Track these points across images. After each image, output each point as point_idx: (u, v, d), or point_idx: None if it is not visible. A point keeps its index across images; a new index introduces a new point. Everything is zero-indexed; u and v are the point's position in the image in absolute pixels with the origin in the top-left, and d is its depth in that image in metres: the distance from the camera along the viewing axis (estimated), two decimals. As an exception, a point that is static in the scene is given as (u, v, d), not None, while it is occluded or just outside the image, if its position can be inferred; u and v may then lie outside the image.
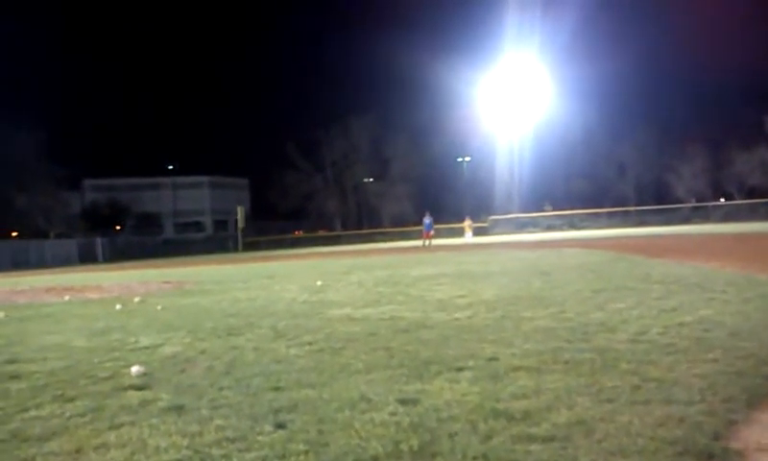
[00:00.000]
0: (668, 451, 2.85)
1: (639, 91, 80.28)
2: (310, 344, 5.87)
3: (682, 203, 68.87)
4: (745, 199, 65.99)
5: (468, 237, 48.10)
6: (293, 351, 5.55)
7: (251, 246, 66.92)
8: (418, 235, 43.20)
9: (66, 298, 13.13)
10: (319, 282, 13.00)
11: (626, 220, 63.25)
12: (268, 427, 3.42)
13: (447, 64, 75.18)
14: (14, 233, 64.27)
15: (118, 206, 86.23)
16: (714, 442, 2.94)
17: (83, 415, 3.87)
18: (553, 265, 14.42)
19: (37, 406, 4.15)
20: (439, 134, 78.18)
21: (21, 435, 3.56)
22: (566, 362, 4.53)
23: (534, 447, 2.98)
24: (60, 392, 4.50)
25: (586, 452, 2.88)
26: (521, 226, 67.08)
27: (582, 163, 76.21)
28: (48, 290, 15.67)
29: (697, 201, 69.86)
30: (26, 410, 4.08)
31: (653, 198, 71.54)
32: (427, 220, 40.35)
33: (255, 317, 8.09)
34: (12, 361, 5.85)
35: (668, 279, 9.75)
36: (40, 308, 11.20)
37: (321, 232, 79.26)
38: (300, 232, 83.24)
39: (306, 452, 3.05)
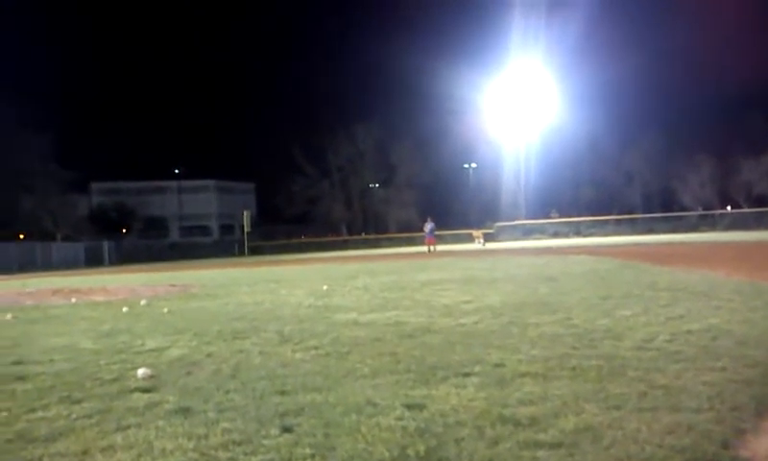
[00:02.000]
0: (676, 459, 2.85)
1: (646, 99, 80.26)
2: (316, 348, 5.87)
3: (688, 211, 68.71)
4: (752, 207, 65.72)
5: (480, 244, 48.19)
6: (299, 356, 5.55)
7: (256, 250, 66.98)
8: (423, 241, 43.17)
9: (73, 300, 13.15)
10: (325, 287, 13.00)
11: (633, 228, 63.03)
12: (274, 431, 3.42)
13: (454, 71, 75.13)
14: (21, 235, 64.48)
15: (125, 210, 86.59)
16: (723, 450, 2.92)
17: (89, 416, 3.88)
18: (560, 272, 14.39)
19: (44, 407, 4.16)
20: (445, 141, 78.26)
21: (27, 436, 3.57)
22: (573, 368, 4.52)
23: (541, 453, 2.97)
24: (66, 393, 4.51)
25: (593, 459, 2.88)
26: (528, 232, 66.90)
27: (589, 170, 76.17)
28: (55, 292, 15.71)
29: (704, 209, 69.66)
30: (32, 411, 4.08)
31: (660, 206, 71.43)
32: (428, 226, 40.14)
33: (261, 321, 8.09)
34: (18, 362, 5.87)
35: (675, 286, 9.71)
36: (47, 310, 11.23)
37: (327, 237, 79.29)
38: (306, 237, 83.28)
39: (312, 456, 3.04)
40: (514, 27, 70.21)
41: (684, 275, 11.95)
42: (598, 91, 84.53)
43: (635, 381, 4.09)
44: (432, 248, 39.24)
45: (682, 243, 31.66)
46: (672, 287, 9.59)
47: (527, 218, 71.91)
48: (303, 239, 78.69)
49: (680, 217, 64.81)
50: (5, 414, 4.05)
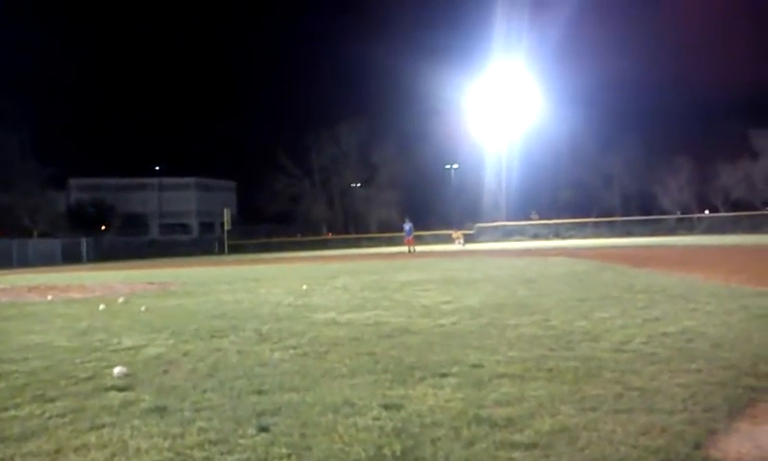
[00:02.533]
0: (650, 460, 2.87)
1: (627, 102, 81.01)
2: (294, 348, 5.85)
3: (667, 214, 69.40)
4: (729, 212, 66.60)
5: (459, 244, 48.39)
6: (277, 355, 5.53)
7: (237, 249, 66.65)
8: (404, 241, 43.22)
9: (49, 297, 13.02)
10: (304, 286, 12.97)
11: (612, 230, 63.55)
12: (251, 430, 3.41)
13: (436, 71, 75.35)
14: (-2, 232, 63.72)
15: (104, 206, 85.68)
16: (695, 451, 2.96)
17: (63, 415, 3.84)
18: (539, 273, 14.48)
19: (17, 406, 4.11)
20: (427, 141, 78.42)
21: (-1, 435, 3.52)
22: (550, 370, 4.55)
23: (516, 453, 2.99)
24: (40, 392, 4.46)
25: (568, 460, 2.90)
26: (508, 234, 67.19)
27: (569, 173, 76.81)
28: (31, 289, 15.54)
29: (682, 213, 70.42)
30: (5, 410, 4.03)
31: (638, 209, 72.06)
32: (407, 225, 40.22)
33: (240, 320, 8.06)
34: (-8, 360, 5.79)
35: (652, 289, 9.81)
36: (23, 307, 11.10)
37: (307, 236, 79.13)
38: (286, 236, 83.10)
39: (289, 456, 3.04)
40: (496, 28, 70.47)
41: (661, 277, 12.07)
42: (579, 94, 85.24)
43: (611, 383, 4.13)
44: (412, 248, 39.32)
45: (660, 246, 32.00)
46: (649, 290, 9.69)
47: (507, 219, 72.24)
48: (285, 238, 78.53)
49: (658, 220, 65.37)
50: (-24, 413, 3.99)
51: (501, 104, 72.14)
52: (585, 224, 66.61)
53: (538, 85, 71.01)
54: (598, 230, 63.81)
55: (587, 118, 71.89)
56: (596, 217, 68.97)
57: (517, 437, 3.18)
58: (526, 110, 71.60)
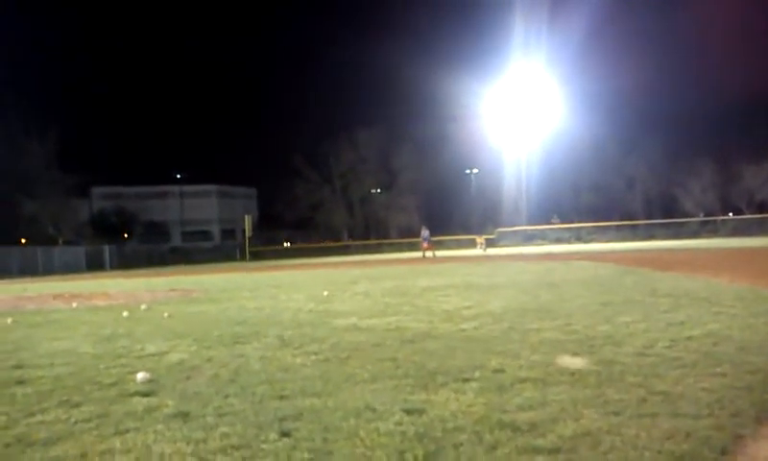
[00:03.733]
0: (675, 465, 2.83)
1: (649, 105, 80.00)
2: (316, 353, 5.86)
3: (690, 217, 68.67)
4: (754, 213, 65.75)
5: (481, 249, 48.39)
6: (298, 360, 5.55)
7: (258, 255, 67.01)
8: (421, 247, 43.42)
9: (74, 304, 13.17)
10: (325, 292, 12.99)
11: (634, 234, 63.08)
12: (273, 435, 3.42)
13: (455, 76, 75.42)
14: (23, 240, 64.59)
15: (126, 215, 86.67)
16: (722, 457, 2.92)
17: (88, 420, 3.88)
18: (560, 278, 14.38)
19: (43, 411, 4.16)
20: (446, 146, 78.30)
21: (26, 440, 3.57)
22: (572, 374, 4.51)
23: (539, 458, 2.97)
24: (65, 397, 4.51)
25: (592, 465, 2.87)
26: (529, 238, 66.93)
27: (590, 176, 76.25)
28: (56, 297, 15.73)
29: (706, 215, 69.65)
30: (32, 415, 4.09)
31: (661, 212, 71.41)
32: (424, 233, 41.33)
33: (262, 326, 8.09)
34: (18, 366, 5.87)
35: (676, 292, 9.70)
36: (48, 315, 11.23)
37: (328, 243, 79.34)
38: (307, 243, 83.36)
39: (311, 461, 3.04)
40: (516, 32, 70.42)
41: (685, 281, 11.94)
42: (601, 97, 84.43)
43: (634, 387, 4.09)
44: (432, 253, 39.61)
45: (683, 249, 31.65)
46: (673, 293, 9.58)
47: (528, 224, 71.94)
48: (305, 245, 78.77)
49: (681, 223, 64.74)
50: (4, 418, 4.05)
51: (521, 107, 71.96)
52: (607, 227, 66.22)
53: (558, 88, 70.77)
54: (620, 234, 63.37)
55: (608, 120, 71.64)
56: (618, 220, 68.45)
57: (540, 442, 3.16)
58: (546, 114, 71.33)
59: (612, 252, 32.69)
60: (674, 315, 7.25)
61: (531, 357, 5.17)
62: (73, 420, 3.91)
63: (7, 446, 3.49)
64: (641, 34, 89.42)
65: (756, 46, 76.92)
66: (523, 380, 4.39)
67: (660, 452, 2.96)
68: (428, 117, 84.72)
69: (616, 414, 3.53)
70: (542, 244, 61.84)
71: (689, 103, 79.69)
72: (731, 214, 69.93)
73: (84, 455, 3.27)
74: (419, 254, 43.02)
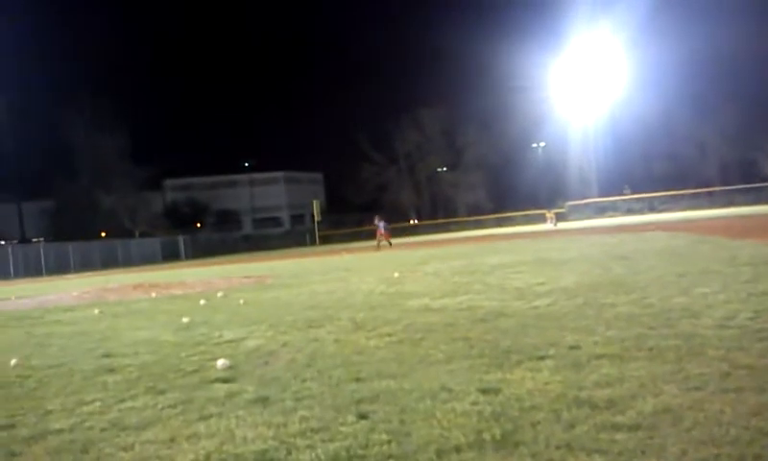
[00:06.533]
0: (764, 442, 2.73)
1: (720, 69, 76.37)
2: (389, 335, 5.92)
3: (771, 180, 65.65)
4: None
5: (551, 224, 47.61)
6: (372, 343, 5.61)
7: (327, 239, 67.76)
8: (494, 223, 42.87)
9: (153, 294, 13.63)
10: (396, 274, 13.06)
11: (711, 201, 60.91)
12: (351, 418, 3.48)
13: (517, 46, 73.89)
14: (103, 234, 67.20)
15: (198, 205, 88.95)
16: (812, 430, 2.81)
17: (174, 406, 4.04)
18: (634, 250, 14.05)
19: (132, 398, 4.35)
20: (511, 120, 77.19)
21: (120, 424, 3.75)
22: (650, 349, 4.42)
23: (619, 435, 2.92)
24: (151, 384, 4.70)
25: (674, 442, 2.80)
26: (600, 210, 65.54)
27: (661, 144, 73.73)
28: (136, 287, 16.31)
29: (788, 177, 66.49)
30: (122, 401, 4.28)
31: (739, 178, 68.50)
32: (381, 222, 38.13)
33: (334, 309, 8.21)
34: (107, 355, 6.14)
35: (757, 260, 9.34)
36: (130, 305, 11.68)
37: (396, 224, 79.60)
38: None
39: (389, 442, 3.08)
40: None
41: (766, 248, 11.48)
42: (670, 63, 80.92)
43: (715, 361, 3.97)
44: (388, 242, 36.81)
45: (764, 215, 30.36)
46: (754, 262, 9.23)
47: (599, 196, 70.34)
48: (373, 227, 79.11)
49: (761, 188, 61.99)
50: (99, 404, 4.26)
51: (587, 77, 70.15)
52: (681, 196, 64.12)
53: (625, 55, 68.59)
54: (696, 202, 61.34)
55: (678, 87, 68.66)
56: (693, 188, 66.15)
57: (619, 419, 3.11)
58: (614, 82, 69.34)
59: (687, 220, 31.68)
60: (756, 285, 6.98)
61: (606, 333, 5.09)
62: (160, 406, 4.08)
63: (103, 430, 3.67)
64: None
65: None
66: (599, 357, 4.33)
67: (746, 428, 2.87)
68: (491, 92, 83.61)
69: (698, 389, 3.45)
70: (614, 216, 60.48)
71: (764, 63, 75.66)
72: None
73: (172, 439, 3.41)
74: (486, 231, 42.45)
